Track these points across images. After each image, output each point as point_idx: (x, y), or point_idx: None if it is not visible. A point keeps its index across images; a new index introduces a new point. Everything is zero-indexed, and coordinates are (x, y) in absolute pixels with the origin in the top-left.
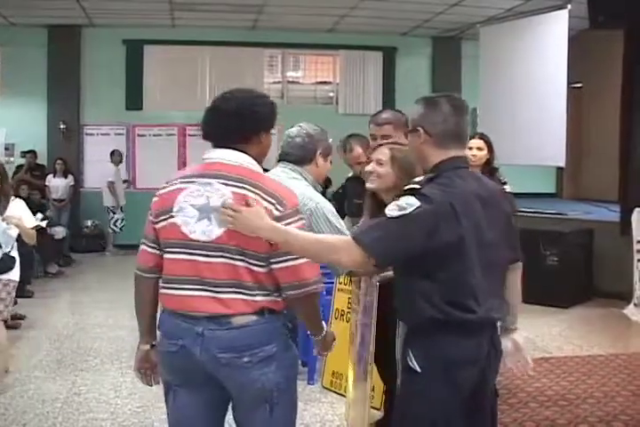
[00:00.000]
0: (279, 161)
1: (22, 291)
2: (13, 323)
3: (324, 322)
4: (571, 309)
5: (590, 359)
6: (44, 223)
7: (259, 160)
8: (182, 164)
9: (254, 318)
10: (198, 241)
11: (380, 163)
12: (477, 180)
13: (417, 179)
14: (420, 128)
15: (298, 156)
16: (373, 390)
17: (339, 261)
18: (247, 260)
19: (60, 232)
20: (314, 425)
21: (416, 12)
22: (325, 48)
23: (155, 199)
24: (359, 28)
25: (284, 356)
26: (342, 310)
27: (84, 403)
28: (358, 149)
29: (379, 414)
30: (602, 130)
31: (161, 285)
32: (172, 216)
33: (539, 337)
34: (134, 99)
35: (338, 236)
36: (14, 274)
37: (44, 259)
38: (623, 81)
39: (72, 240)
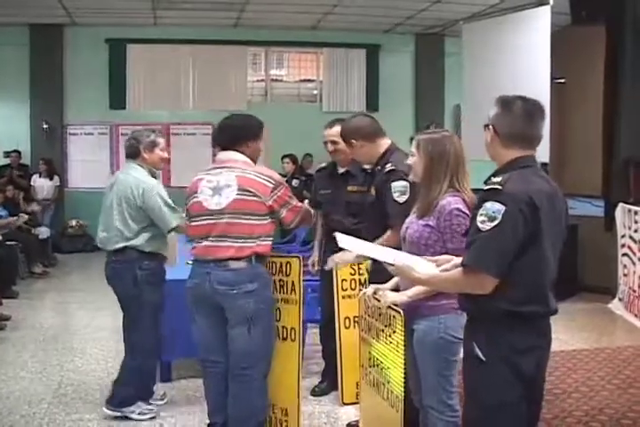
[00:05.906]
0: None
1: (7, 292)
2: None
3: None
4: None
5: (575, 354)
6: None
7: (252, 159)
8: (166, 163)
9: (244, 264)
10: (213, 210)
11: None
12: (543, 177)
13: (496, 179)
14: (491, 126)
15: (128, 152)
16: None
17: (470, 292)
18: (248, 217)
19: (44, 232)
20: (305, 421)
21: (398, 9)
22: (309, 46)
23: (188, 188)
24: (342, 26)
25: (262, 293)
26: (349, 318)
27: (71, 404)
28: (337, 128)
29: (354, 414)
30: (585, 125)
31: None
32: (196, 197)
33: None
34: (117, 98)
35: (452, 272)
36: None
37: (28, 259)
38: (606, 76)
39: (56, 240)
